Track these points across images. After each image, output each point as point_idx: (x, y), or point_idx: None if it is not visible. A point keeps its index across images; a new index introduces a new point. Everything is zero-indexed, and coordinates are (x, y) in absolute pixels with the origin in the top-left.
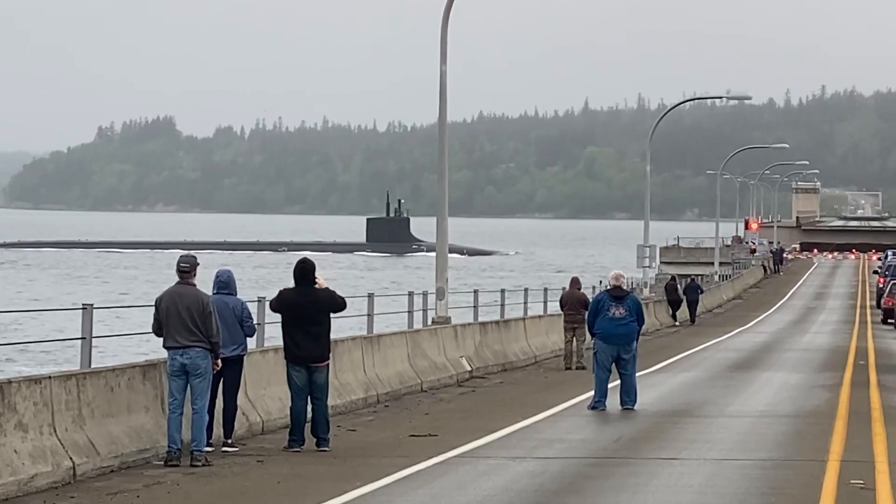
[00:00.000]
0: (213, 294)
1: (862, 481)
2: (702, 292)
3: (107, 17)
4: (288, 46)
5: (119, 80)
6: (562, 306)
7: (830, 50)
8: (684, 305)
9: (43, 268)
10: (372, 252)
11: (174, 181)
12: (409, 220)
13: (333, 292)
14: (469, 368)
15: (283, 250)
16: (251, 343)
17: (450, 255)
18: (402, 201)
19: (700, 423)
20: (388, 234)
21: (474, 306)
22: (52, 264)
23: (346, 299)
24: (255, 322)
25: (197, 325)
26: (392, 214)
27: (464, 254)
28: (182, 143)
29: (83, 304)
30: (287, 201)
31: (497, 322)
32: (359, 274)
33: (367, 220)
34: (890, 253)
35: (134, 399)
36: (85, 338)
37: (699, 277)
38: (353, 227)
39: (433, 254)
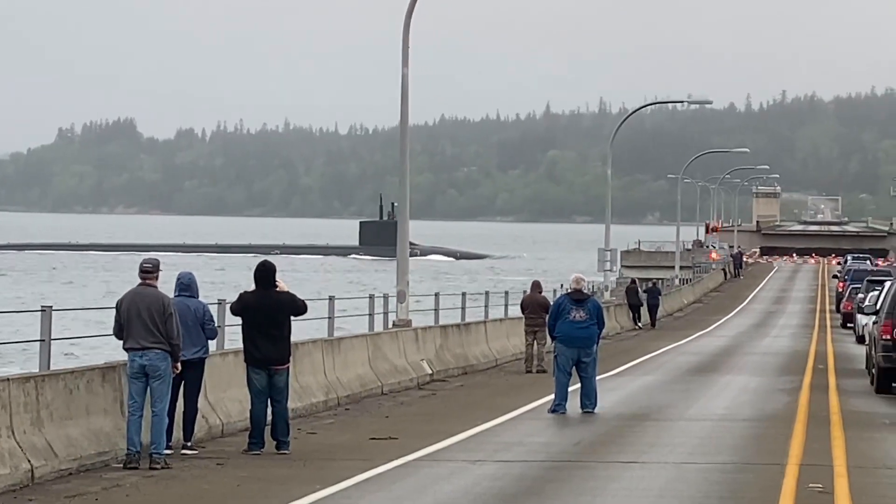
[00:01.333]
0: (175, 296)
1: (820, 485)
2: (660, 294)
3: (67, 18)
4: (249, 49)
5: (80, 81)
6: (523, 310)
7: (791, 55)
8: (645, 309)
9: (35, 270)
10: (365, 255)
11: (135, 183)
12: None
13: (294, 295)
14: (430, 371)
15: (276, 253)
16: (211, 346)
17: (441, 258)
18: (396, 204)
19: (660, 426)
20: (382, 237)
21: (435, 309)
22: (43, 266)
23: (307, 302)
24: (216, 325)
25: (157, 326)
26: (385, 217)
27: (456, 258)
28: (143, 145)
29: (42, 307)
30: (248, 203)
31: (458, 325)
32: (352, 277)
33: (360, 223)
34: (850, 257)
35: (93, 401)
36: (44, 340)
37: (660, 281)
38: (330, 230)
39: (428, 257)
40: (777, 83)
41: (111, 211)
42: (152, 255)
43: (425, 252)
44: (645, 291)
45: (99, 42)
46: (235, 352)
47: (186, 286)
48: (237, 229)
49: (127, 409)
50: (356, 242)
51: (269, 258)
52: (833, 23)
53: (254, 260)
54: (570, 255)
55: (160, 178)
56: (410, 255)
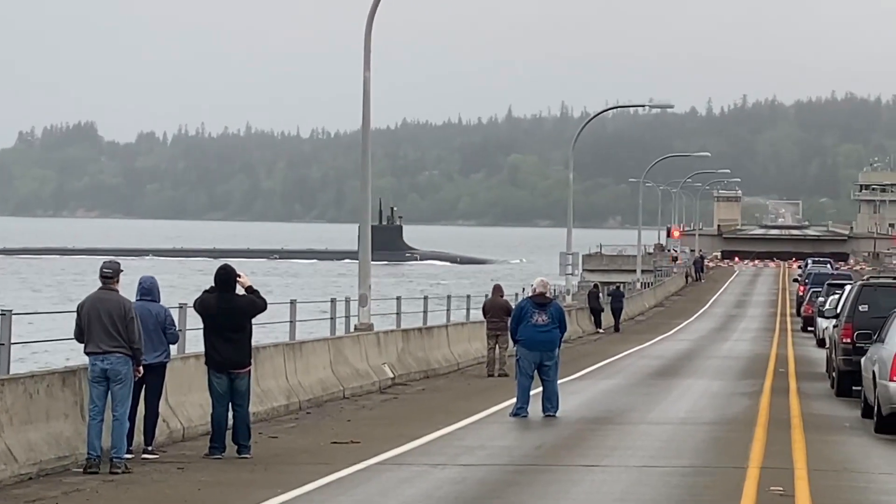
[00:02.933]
0: (136, 301)
1: (781, 488)
2: (624, 297)
3: (27, 22)
4: (211, 52)
5: (40, 84)
6: (484, 314)
7: (752, 59)
8: (608, 313)
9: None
10: None
11: (96, 187)
12: (401, 228)
13: (254, 296)
14: (391, 375)
15: (276, 258)
16: (173, 349)
17: (442, 262)
18: (395, 209)
19: (621, 430)
20: (381, 242)
21: (397, 313)
22: (48, 271)
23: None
24: (177, 329)
25: (119, 331)
26: (384, 222)
27: (457, 262)
28: (104, 149)
29: (1, 311)
30: (210, 207)
31: (420, 329)
32: (351, 281)
33: (360, 227)
34: (810, 261)
35: (53, 406)
36: (3, 344)
37: (622, 285)
38: (328, 235)
39: (428, 262)
40: (738, 87)
41: (72, 214)
42: (150, 259)
43: (425, 257)
44: (609, 295)
45: (59, 45)
46: (196, 356)
47: (148, 290)
48: (200, 233)
49: (87, 413)
50: (355, 247)
51: (268, 262)
52: (794, 27)
53: (255, 264)
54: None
55: (121, 182)
56: (409, 260)
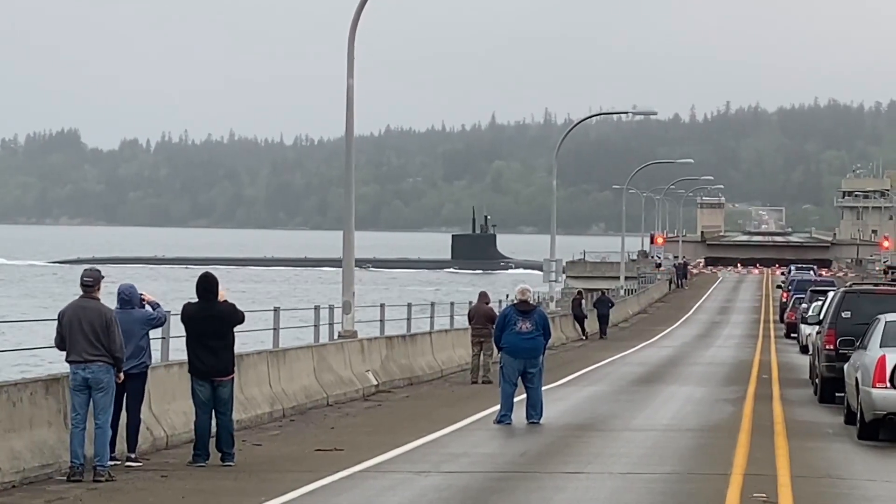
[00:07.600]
0: (116, 309)
1: (764, 495)
2: (612, 305)
3: (9, 27)
4: (194, 59)
5: (23, 91)
6: (469, 320)
7: (735, 66)
8: (592, 319)
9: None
10: (459, 269)
11: (79, 194)
12: (495, 236)
13: (234, 306)
14: (375, 383)
15: (368, 267)
16: (156, 357)
17: (538, 271)
18: (489, 217)
19: (605, 436)
20: (475, 251)
21: (381, 320)
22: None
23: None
24: (161, 315)
25: (100, 339)
26: (478, 231)
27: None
28: (87, 156)
29: None
30: (193, 214)
31: (403, 336)
32: (447, 290)
33: (453, 236)
34: (793, 268)
35: (36, 414)
36: None
37: (608, 291)
38: (322, 242)
39: (523, 270)
40: (721, 94)
41: (55, 222)
42: (235, 269)
43: (519, 265)
44: (595, 304)
45: (41, 51)
46: (180, 363)
47: (127, 299)
48: (184, 240)
49: (70, 421)
50: (448, 256)
51: (362, 272)
52: (776, 34)
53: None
54: None
55: (104, 189)
56: (503, 269)
